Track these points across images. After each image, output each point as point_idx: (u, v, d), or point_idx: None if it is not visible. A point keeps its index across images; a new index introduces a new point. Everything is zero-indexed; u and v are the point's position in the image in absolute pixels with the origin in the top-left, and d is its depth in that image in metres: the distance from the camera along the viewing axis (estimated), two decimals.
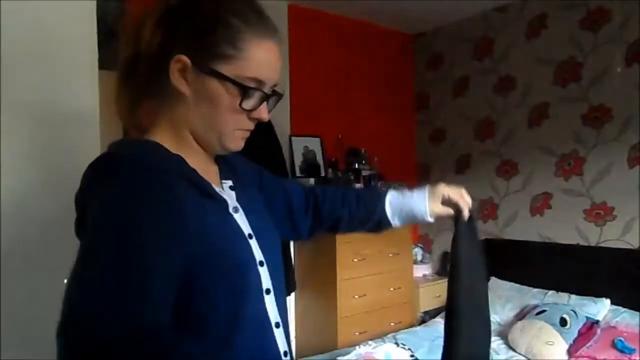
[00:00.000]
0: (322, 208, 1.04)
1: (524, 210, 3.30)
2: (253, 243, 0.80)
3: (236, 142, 0.80)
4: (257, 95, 0.75)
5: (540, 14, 3.19)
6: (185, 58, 0.72)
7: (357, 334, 2.94)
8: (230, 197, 0.82)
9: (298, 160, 3.24)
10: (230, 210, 0.80)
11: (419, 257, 3.77)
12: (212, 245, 0.72)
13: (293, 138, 3.25)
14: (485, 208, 3.54)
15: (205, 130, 0.77)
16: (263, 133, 2.72)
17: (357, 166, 3.28)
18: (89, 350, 0.62)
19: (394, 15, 3.57)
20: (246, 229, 0.80)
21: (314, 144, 3.34)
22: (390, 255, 3.19)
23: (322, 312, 2.96)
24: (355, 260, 2.98)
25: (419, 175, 4.02)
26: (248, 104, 0.75)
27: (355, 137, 3.50)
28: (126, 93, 0.82)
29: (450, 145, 3.78)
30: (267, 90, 0.77)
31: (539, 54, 3.20)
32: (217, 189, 0.80)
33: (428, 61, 3.94)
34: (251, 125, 0.80)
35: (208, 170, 0.82)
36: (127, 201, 0.68)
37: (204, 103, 0.75)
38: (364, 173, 3.25)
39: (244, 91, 0.73)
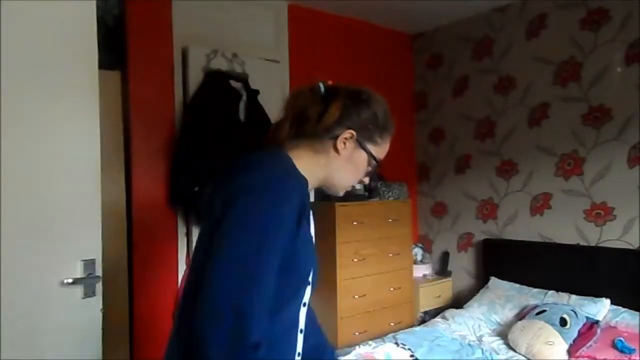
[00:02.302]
0: None
1: (524, 210, 3.30)
2: (309, 287, 1.04)
3: (344, 191, 1.13)
4: (375, 167, 1.12)
5: (540, 14, 3.19)
6: (353, 133, 1.05)
7: (357, 334, 2.94)
8: (312, 223, 1.09)
9: None
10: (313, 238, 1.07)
11: (419, 257, 3.78)
12: (306, 252, 1.00)
13: None
14: (485, 208, 3.54)
15: (335, 179, 1.09)
16: (263, 133, 2.72)
17: None
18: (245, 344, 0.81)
19: (394, 15, 3.57)
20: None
21: None
22: (390, 255, 3.19)
23: (322, 312, 2.94)
24: (355, 260, 2.98)
25: (419, 175, 4.02)
26: (367, 169, 1.11)
27: None
28: (291, 127, 1.07)
29: (450, 145, 3.78)
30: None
31: (539, 54, 3.20)
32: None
33: (428, 61, 3.94)
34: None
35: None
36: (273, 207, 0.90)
37: (350, 165, 1.08)
38: None
39: (373, 165, 1.11)
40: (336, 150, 1.05)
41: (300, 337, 1.04)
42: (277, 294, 0.89)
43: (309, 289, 1.03)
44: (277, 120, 1.11)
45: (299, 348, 1.04)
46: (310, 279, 1.02)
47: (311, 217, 1.09)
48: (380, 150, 1.12)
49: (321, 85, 1.09)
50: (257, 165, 0.96)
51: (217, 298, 0.81)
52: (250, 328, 0.80)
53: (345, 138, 1.04)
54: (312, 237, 1.06)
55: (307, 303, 1.04)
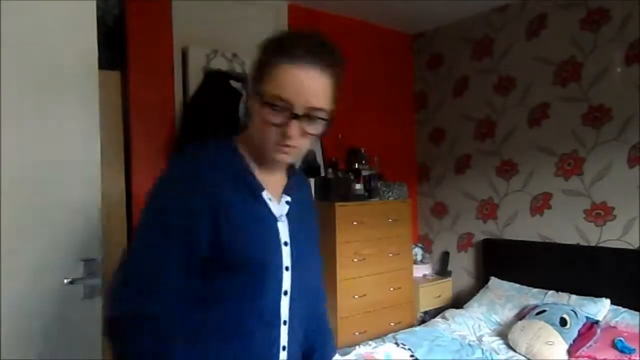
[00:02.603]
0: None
1: (524, 210, 3.30)
2: (286, 249, 0.95)
3: (276, 154, 0.91)
4: (284, 113, 0.86)
5: (540, 14, 3.19)
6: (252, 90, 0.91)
7: (357, 334, 2.94)
8: (281, 207, 0.98)
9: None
10: (277, 216, 0.96)
11: (419, 257, 3.78)
12: (242, 240, 0.89)
13: None
14: (485, 208, 3.54)
15: (257, 144, 0.93)
16: None
17: (357, 166, 3.28)
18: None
19: (394, 15, 3.57)
20: (284, 236, 0.96)
21: (314, 143, 3.34)
22: (390, 255, 3.19)
23: None
24: (355, 260, 2.98)
25: (419, 175, 4.02)
26: (275, 119, 0.87)
27: (355, 137, 3.50)
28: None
29: (450, 145, 3.78)
30: (299, 111, 0.87)
31: (539, 54, 3.20)
32: (268, 196, 0.96)
33: (428, 61, 3.94)
34: (288, 141, 0.88)
35: (273, 180, 0.99)
36: (165, 190, 0.90)
37: (255, 120, 0.91)
38: (364, 173, 3.25)
39: (271, 107, 0.86)
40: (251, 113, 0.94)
41: (284, 329, 0.96)
42: (206, 284, 0.88)
43: (287, 276, 0.95)
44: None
45: (283, 341, 0.96)
46: (252, 268, 0.90)
47: (284, 204, 1.00)
48: (273, 84, 0.86)
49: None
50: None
51: (123, 270, 0.87)
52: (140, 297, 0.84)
53: (249, 94, 0.95)
54: (262, 219, 0.95)
55: (287, 291, 0.95)
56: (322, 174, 3.26)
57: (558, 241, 3.10)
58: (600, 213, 2.92)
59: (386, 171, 3.49)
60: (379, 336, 2.82)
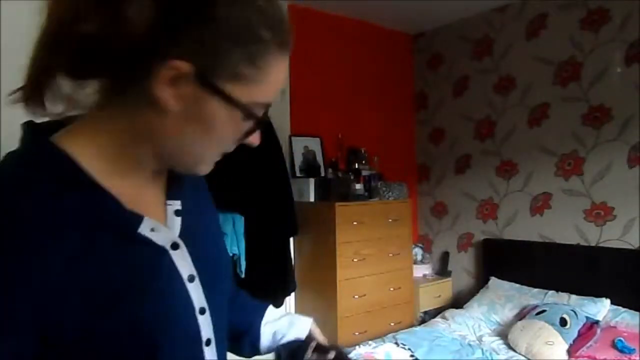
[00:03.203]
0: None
1: (524, 210, 3.30)
2: (194, 286, 0.64)
3: (209, 167, 0.64)
4: (256, 120, 0.60)
5: (540, 14, 3.19)
6: (185, 66, 0.52)
7: (357, 334, 2.94)
8: (172, 227, 0.64)
9: (298, 160, 3.24)
10: (167, 248, 0.62)
11: (419, 257, 3.78)
12: (116, 302, 0.55)
13: (293, 138, 3.25)
14: (485, 208, 3.54)
15: (179, 152, 0.60)
16: (263, 133, 2.72)
17: (357, 166, 3.28)
18: None
19: (394, 15, 3.57)
20: (186, 270, 0.63)
21: (314, 144, 3.34)
22: (390, 255, 3.19)
23: (321, 312, 2.96)
24: (355, 260, 2.98)
25: (419, 175, 4.02)
26: (246, 128, 0.61)
27: (355, 137, 3.50)
28: (64, 66, 0.56)
29: (450, 145, 3.78)
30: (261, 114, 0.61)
31: (539, 54, 3.20)
32: (150, 224, 0.60)
33: (428, 61, 3.94)
34: (232, 149, 0.64)
35: (147, 194, 0.64)
36: None
37: (192, 122, 0.56)
38: (364, 173, 3.25)
39: (249, 117, 0.59)
40: (157, 102, 0.54)
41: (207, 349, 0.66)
42: None
43: (204, 320, 0.65)
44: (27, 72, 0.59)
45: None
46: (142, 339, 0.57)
47: (172, 215, 0.65)
48: (260, 87, 0.57)
49: None
50: None
51: None
52: None
53: (171, 77, 0.52)
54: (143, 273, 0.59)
55: (211, 340, 0.66)
56: (322, 174, 3.26)
57: (558, 241, 3.10)
58: (600, 213, 2.92)
59: (386, 171, 3.49)
60: (379, 336, 2.81)
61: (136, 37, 0.50)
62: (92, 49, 0.52)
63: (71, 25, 0.51)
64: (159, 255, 0.61)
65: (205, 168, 0.64)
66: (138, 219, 0.59)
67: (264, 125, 0.63)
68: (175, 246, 0.63)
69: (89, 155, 0.57)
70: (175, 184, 0.68)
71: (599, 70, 2.92)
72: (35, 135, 0.61)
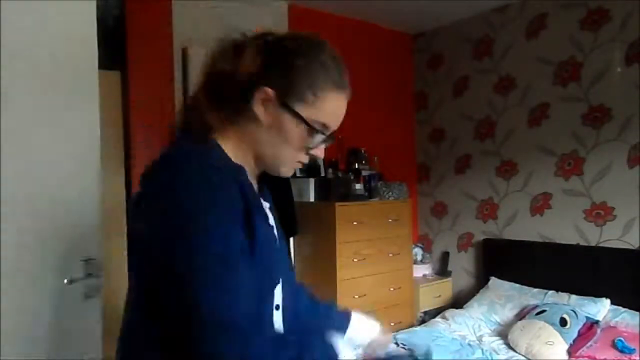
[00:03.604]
0: None
1: (524, 210, 3.30)
2: (279, 287, 0.89)
3: (289, 171, 0.90)
4: (320, 137, 0.86)
5: (540, 14, 3.19)
6: (270, 91, 0.81)
7: None
8: (271, 218, 0.92)
9: None
10: (274, 228, 0.91)
11: (419, 257, 3.78)
12: (264, 257, 0.82)
13: None
14: (485, 208, 3.54)
15: (267, 154, 0.87)
16: None
17: (357, 166, 3.28)
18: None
19: (394, 15, 3.57)
20: (280, 273, 0.90)
21: None
22: (390, 255, 3.19)
23: None
24: (355, 260, 2.98)
25: (419, 175, 4.02)
26: (312, 143, 0.86)
27: (355, 137, 3.49)
28: (206, 97, 0.86)
29: (450, 145, 3.78)
30: (332, 137, 0.88)
31: (539, 54, 3.20)
32: (267, 206, 0.91)
33: (428, 61, 3.94)
34: (307, 160, 0.90)
35: (255, 187, 0.90)
36: (199, 191, 0.73)
37: (275, 133, 0.84)
38: (364, 173, 3.25)
39: (312, 132, 0.84)
40: (257, 117, 0.83)
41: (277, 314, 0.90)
42: None
43: (278, 290, 0.90)
44: (192, 94, 0.90)
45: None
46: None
47: (268, 212, 0.92)
48: (318, 111, 0.83)
49: (234, 37, 0.87)
50: (162, 165, 0.80)
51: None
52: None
53: (262, 99, 0.82)
54: (272, 236, 0.90)
55: (280, 306, 0.90)
56: (322, 174, 3.26)
57: (558, 241, 3.10)
58: (600, 213, 2.92)
59: (386, 171, 3.49)
60: None
61: (248, 74, 0.82)
62: (225, 81, 0.83)
63: (215, 73, 0.85)
64: (274, 233, 0.90)
65: (286, 170, 0.89)
66: (263, 207, 0.89)
67: (329, 142, 0.89)
68: (274, 228, 0.92)
69: (230, 152, 0.85)
70: (263, 188, 0.95)
71: (599, 70, 2.92)
72: (203, 137, 0.85)
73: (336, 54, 0.89)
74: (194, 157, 0.77)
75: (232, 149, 0.85)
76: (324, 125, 0.85)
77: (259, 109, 0.82)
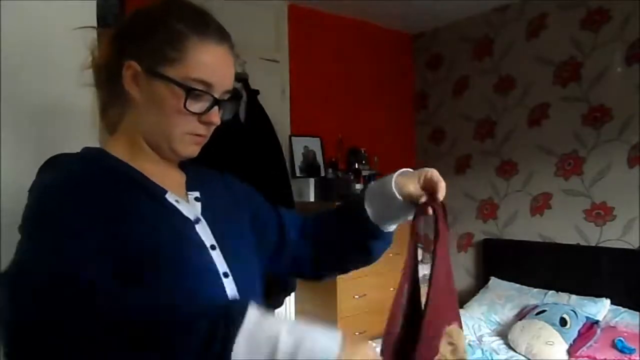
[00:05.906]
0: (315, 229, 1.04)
1: (524, 210, 3.30)
2: (215, 254, 0.78)
3: (187, 147, 0.80)
4: (205, 98, 0.77)
5: (540, 14, 3.19)
6: (134, 63, 0.75)
7: (357, 334, 2.93)
8: (193, 208, 0.81)
9: (298, 160, 3.24)
10: (192, 219, 0.79)
11: (419, 257, 3.77)
12: (156, 249, 0.72)
13: (293, 138, 3.25)
14: (485, 208, 3.54)
15: (154, 134, 0.78)
16: (263, 133, 2.72)
17: (357, 166, 3.28)
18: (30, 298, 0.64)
19: (394, 15, 3.57)
20: (208, 240, 0.79)
21: (314, 144, 3.34)
22: (391, 255, 3.13)
23: (322, 312, 2.95)
24: None
25: None
26: (195, 106, 0.76)
27: (355, 137, 3.50)
28: (99, 100, 0.85)
29: (450, 145, 3.78)
30: (217, 95, 0.78)
31: (539, 54, 3.20)
32: (174, 197, 0.79)
33: (428, 61, 3.94)
34: (204, 130, 0.79)
35: (168, 179, 0.82)
36: (58, 193, 0.73)
37: (152, 107, 0.76)
38: (364, 173, 3.25)
39: (188, 92, 0.74)
40: (132, 97, 0.77)
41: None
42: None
43: (228, 283, 0.78)
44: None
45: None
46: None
47: (191, 200, 0.83)
48: (187, 67, 0.74)
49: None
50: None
51: None
52: None
53: (131, 75, 0.76)
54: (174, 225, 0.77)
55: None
56: (322, 174, 3.26)
57: (558, 241, 3.10)
58: (600, 213, 2.92)
59: (386, 171, 3.46)
60: (379, 336, 2.79)
61: (109, 55, 0.79)
62: (97, 71, 0.83)
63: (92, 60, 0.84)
64: (186, 224, 0.78)
65: (182, 147, 0.79)
66: (162, 190, 0.78)
67: (217, 103, 0.78)
68: (197, 220, 0.79)
69: (122, 153, 0.79)
70: (193, 180, 0.87)
71: (599, 70, 2.92)
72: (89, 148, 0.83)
73: (195, 5, 0.79)
74: (58, 169, 0.77)
75: (123, 147, 0.80)
76: (202, 83, 0.75)
77: (130, 87, 0.76)
